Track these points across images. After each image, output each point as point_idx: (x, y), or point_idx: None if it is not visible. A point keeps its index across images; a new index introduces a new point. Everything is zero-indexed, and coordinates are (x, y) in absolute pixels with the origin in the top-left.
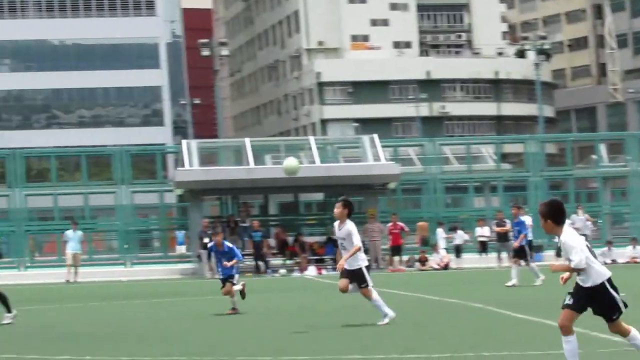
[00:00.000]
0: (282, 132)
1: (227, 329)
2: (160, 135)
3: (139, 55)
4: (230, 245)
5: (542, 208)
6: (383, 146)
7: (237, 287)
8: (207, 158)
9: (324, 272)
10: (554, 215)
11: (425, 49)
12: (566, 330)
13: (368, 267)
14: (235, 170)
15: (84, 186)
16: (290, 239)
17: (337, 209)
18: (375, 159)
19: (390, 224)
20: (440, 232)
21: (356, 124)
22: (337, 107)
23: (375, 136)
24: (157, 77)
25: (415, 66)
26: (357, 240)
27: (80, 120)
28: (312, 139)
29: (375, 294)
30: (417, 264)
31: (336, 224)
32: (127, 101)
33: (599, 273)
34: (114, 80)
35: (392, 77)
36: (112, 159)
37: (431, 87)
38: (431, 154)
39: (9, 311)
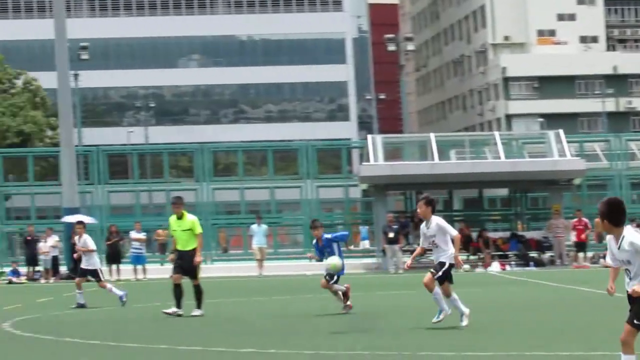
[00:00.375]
0: (467, 127)
1: (409, 323)
2: (345, 130)
3: (326, 50)
4: (329, 236)
5: (600, 206)
6: (568, 142)
7: (339, 287)
8: (392, 153)
9: (507, 267)
10: (611, 215)
11: (613, 43)
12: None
13: (452, 265)
14: (419, 165)
15: (270, 180)
16: (474, 235)
17: (421, 208)
18: (561, 154)
19: (575, 219)
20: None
21: (541, 119)
22: (522, 102)
23: (561, 131)
24: (343, 73)
25: (602, 61)
26: (452, 230)
27: (267, 115)
28: (497, 134)
29: (438, 288)
30: (602, 261)
31: (423, 224)
32: (313, 96)
33: None
34: (300, 75)
35: (578, 72)
36: (298, 154)
37: (618, 82)
38: (617, 149)
39: (198, 307)
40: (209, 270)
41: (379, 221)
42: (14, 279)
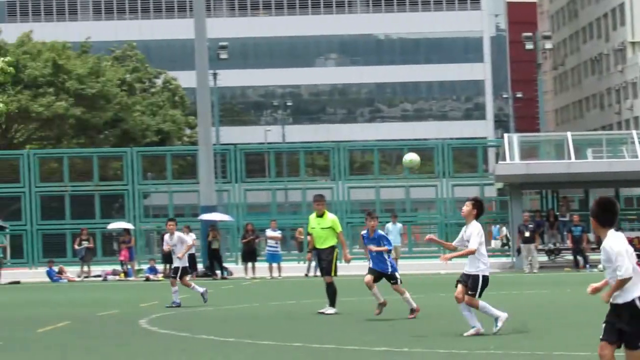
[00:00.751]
0: (604, 126)
1: (543, 323)
2: (481, 128)
3: (463, 49)
4: (382, 233)
5: (592, 204)
6: None
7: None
8: (528, 152)
9: None
10: (598, 215)
11: None
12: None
13: (487, 279)
14: (555, 164)
15: (406, 179)
16: None
17: (466, 208)
18: None
19: None
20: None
21: None
22: None
23: None
24: (480, 71)
25: None
26: (473, 244)
27: (403, 114)
28: (634, 132)
29: (481, 303)
30: None
31: (466, 225)
32: (450, 95)
33: (633, 288)
34: (437, 74)
35: None
36: (433, 152)
37: None
38: None
39: (332, 305)
40: (345, 268)
41: (515, 220)
42: (151, 276)
